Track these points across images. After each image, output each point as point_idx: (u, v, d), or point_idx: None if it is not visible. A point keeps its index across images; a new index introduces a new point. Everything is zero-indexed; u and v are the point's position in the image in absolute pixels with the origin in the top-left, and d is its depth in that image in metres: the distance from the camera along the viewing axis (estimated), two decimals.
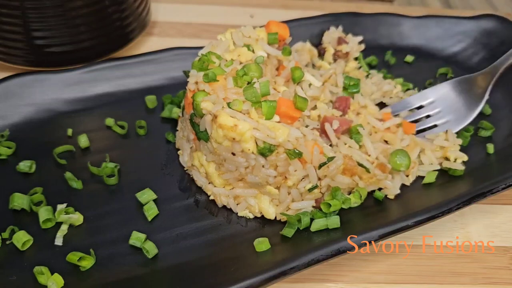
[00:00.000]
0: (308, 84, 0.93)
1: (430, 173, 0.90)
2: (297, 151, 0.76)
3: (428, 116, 1.00)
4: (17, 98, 0.97)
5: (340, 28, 1.14)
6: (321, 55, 1.11)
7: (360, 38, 1.12)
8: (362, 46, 1.12)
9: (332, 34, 1.13)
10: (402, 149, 0.87)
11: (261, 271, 0.70)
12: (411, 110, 1.01)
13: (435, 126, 0.99)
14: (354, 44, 1.10)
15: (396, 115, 1.00)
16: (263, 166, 0.78)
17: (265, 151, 0.76)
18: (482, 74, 1.04)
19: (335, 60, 1.08)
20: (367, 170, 0.82)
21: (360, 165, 0.82)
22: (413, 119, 1.00)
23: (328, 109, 0.91)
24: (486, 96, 1.01)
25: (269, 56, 0.90)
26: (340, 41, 1.10)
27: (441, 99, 1.02)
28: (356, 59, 1.11)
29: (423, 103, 1.02)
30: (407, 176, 0.89)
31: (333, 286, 0.79)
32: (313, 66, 1.06)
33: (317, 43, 1.14)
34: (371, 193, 0.86)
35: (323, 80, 0.97)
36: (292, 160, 0.77)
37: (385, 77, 1.08)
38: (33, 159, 0.89)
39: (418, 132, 0.97)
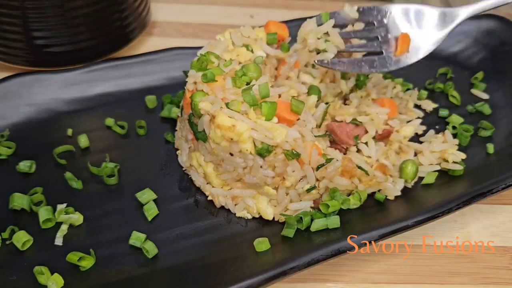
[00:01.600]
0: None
1: (429, 173, 0.90)
2: (295, 152, 0.76)
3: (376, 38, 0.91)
4: (17, 98, 0.97)
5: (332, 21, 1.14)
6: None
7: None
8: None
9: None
10: (413, 160, 0.87)
11: (261, 271, 0.70)
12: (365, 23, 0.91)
13: (381, 53, 0.89)
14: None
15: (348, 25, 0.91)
16: (261, 167, 0.78)
17: (263, 151, 0.76)
18: (447, 12, 0.91)
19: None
20: (366, 173, 0.82)
21: (359, 167, 0.82)
22: (360, 37, 0.90)
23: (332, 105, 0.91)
24: (441, 39, 0.91)
25: (268, 56, 0.90)
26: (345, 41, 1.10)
27: (393, 23, 0.90)
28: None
29: (375, 20, 0.91)
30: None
31: (333, 286, 0.79)
32: (313, 66, 1.06)
33: None
34: (371, 195, 0.86)
35: (320, 77, 0.97)
36: (290, 161, 0.77)
37: (385, 77, 1.08)
38: (33, 159, 0.89)
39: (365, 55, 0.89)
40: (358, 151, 0.87)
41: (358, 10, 0.91)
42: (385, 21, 0.91)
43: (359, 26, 0.91)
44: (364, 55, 0.90)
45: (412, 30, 0.90)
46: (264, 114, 0.77)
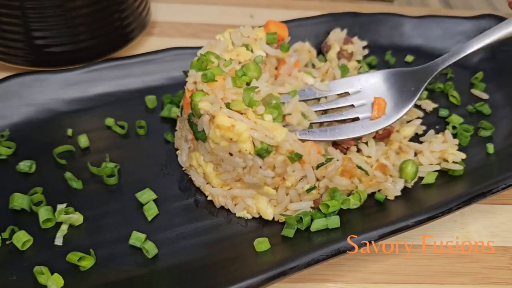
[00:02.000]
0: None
1: (430, 173, 0.90)
2: (297, 154, 0.76)
3: (352, 106, 0.90)
4: (17, 98, 0.97)
5: (345, 31, 1.15)
6: (323, 52, 1.11)
7: (364, 43, 1.12)
8: (366, 51, 1.12)
9: (339, 34, 1.13)
10: (413, 160, 0.87)
11: (261, 271, 0.70)
12: (338, 95, 0.92)
13: (357, 118, 0.89)
14: (359, 47, 1.10)
15: (315, 99, 0.91)
16: (260, 167, 0.78)
17: (262, 152, 0.76)
18: (419, 70, 0.93)
19: (338, 58, 1.08)
20: (366, 173, 0.82)
21: (359, 167, 0.82)
22: (335, 106, 0.90)
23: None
24: (417, 96, 0.90)
25: (268, 55, 0.90)
26: (346, 41, 1.10)
27: (368, 89, 0.91)
28: (358, 61, 1.11)
29: (349, 90, 0.91)
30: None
31: (333, 286, 0.79)
32: (313, 66, 1.06)
33: (317, 43, 1.14)
34: (371, 195, 0.86)
35: (321, 77, 0.98)
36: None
37: None
38: (33, 159, 0.89)
39: (339, 122, 0.88)
40: (359, 151, 0.88)
41: (329, 84, 0.92)
42: (359, 88, 0.91)
43: (333, 97, 0.92)
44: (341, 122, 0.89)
45: (387, 93, 0.90)
46: (273, 118, 0.78)
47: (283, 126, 0.81)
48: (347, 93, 0.91)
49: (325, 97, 0.92)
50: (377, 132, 0.88)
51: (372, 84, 0.92)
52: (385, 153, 0.88)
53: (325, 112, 0.91)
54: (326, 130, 0.86)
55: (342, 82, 0.93)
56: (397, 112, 0.88)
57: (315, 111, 0.88)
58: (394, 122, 0.88)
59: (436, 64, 0.94)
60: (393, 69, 0.94)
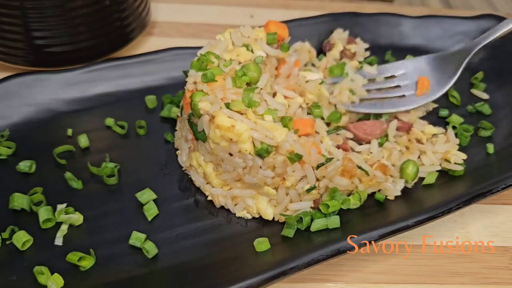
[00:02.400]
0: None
1: (430, 174, 0.90)
2: (297, 154, 0.76)
3: (398, 86, 1.01)
4: (17, 98, 0.97)
5: (347, 32, 1.15)
6: (325, 51, 1.11)
7: (367, 45, 1.12)
8: (367, 53, 1.12)
9: (341, 34, 1.13)
10: (413, 161, 0.87)
11: (261, 271, 0.70)
12: (385, 77, 1.02)
13: (403, 96, 0.99)
14: (361, 47, 1.11)
15: (371, 79, 1.01)
16: (260, 167, 0.78)
17: (262, 152, 0.76)
18: (457, 52, 1.03)
19: (341, 58, 1.08)
20: (366, 173, 0.82)
21: (359, 167, 0.82)
22: (381, 86, 1.00)
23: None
24: (458, 74, 1.00)
25: (268, 56, 0.90)
26: (350, 40, 1.11)
27: (413, 72, 1.02)
28: (359, 62, 1.11)
29: (395, 74, 1.02)
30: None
31: (333, 286, 0.79)
32: (313, 65, 1.06)
33: (317, 43, 1.14)
34: (371, 195, 0.86)
35: (321, 74, 0.99)
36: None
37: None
38: (33, 159, 0.89)
39: (385, 98, 0.98)
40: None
41: (378, 70, 1.02)
42: (404, 71, 1.02)
43: (381, 80, 1.02)
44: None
45: (430, 74, 1.01)
46: (284, 126, 0.79)
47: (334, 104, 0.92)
48: (393, 76, 1.01)
49: (374, 79, 1.01)
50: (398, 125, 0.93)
51: (416, 67, 1.02)
52: (388, 151, 0.88)
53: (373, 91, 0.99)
54: (375, 104, 0.95)
55: (388, 66, 1.03)
56: (440, 89, 0.98)
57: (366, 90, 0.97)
58: (438, 97, 0.97)
59: (473, 45, 1.02)
60: (435, 54, 1.04)
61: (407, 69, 1.02)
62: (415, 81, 0.99)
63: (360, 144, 0.91)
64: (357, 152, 0.88)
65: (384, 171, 0.84)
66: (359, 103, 0.96)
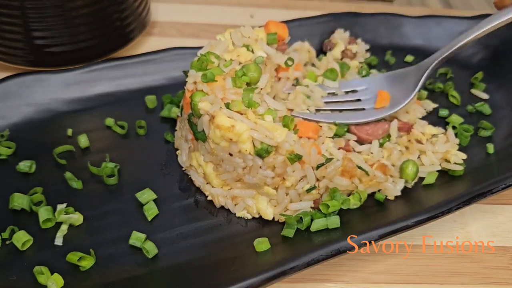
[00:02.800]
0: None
1: (430, 174, 0.90)
2: (297, 155, 0.76)
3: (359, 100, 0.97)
4: (17, 98, 0.97)
5: (348, 32, 1.15)
6: (325, 50, 1.11)
7: (367, 46, 1.12)
8: (368, 54, 1.12)
9: (342, 34, 1.13)
10: (413, 161, 0.87)
11: (261, 271, 0.70)
12: (346, 92, 0.99)
13: (362, 109, 0.96)
14: (362, 48, 1.11)
15: (331, 93, 0.98)
16: (260, 167, 0.78)
17: (262, 152, 0.76)
18: (416, 67, 0.99)
19: (342, 58, 1.08)
20: (366, 173, 0.82)
21: (359, 168, 0.82)
22: (340, 99, 0.96)
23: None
24: (417, 89, 0.96)
25: (269, 56, 0.90)
26: (351, 41, 1.11)
27: (374, 87, 0.99)
28: (359, 62, 1.11)
29: (357, 88, 0.99)
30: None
31: (333, 286, 0.79)
32: (313, 65, 1.06)
33: (317, 43, 1.14)
34: (371, 195, 0.86)
35: (322, 73, 0.99)
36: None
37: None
38: (33, 159, 0.89)
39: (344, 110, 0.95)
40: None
41: (339, 84, 1.00)
42: (366, 87, 0.99)
43: (341, 93, 0.99)
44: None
45: (391, 89, 0.98)
46: (284, 126, 0.79)
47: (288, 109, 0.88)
48: (355, 91, 0.99)
49: (334, 94, 0.98)
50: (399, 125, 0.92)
51: (377, 83, 1.00)
52: (389, 151, 0.88)
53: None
54: (330, 114, 0.93)
55: (351, 82, 1.01)
56: (400, 103, 0.95)
57: (324, 102, 0.94)
58: (395, 112, 0.94)
59: (432, 60, 0.98)
60: (395, 70, 1.02)
61: (369, 85, 0.99)
62: (375, 95, 0.97)
63: (361, 144, 0.91)
64: (358, 152, 0.88)
65: (384, 171, 0.84)
66: (316, 112, 0.92)
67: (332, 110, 0.94)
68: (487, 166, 0.92)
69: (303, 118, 0.88)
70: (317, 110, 0.93)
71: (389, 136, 0.91)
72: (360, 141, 0.91)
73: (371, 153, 0.88)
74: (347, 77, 1.03)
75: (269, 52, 0.90)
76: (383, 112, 0.94)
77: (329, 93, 0.97)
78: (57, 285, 0.71)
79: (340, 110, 0.94)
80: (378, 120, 0.93)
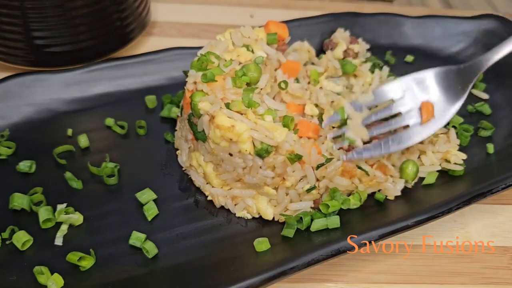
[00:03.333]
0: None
1: (430, 174, 0.90)
2: (297, 155, 0.76)
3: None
4: (17, 98, 0.97)
5: (348, 32, 1.15)
6: (325, 50, 1.11)
7: (368, 46, 1.12)
8: (369, 54, 1.12)
9: (343, 33, 1.13)
10: (413, 161, 0.87)
11: (261, 271, 0.70)
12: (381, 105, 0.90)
13: (407, 126, 0.87)
14: (363, 48, 1.11)
15: (369, 107, 0.90)
16: (260, 167, 0.78)
17: (262, 152, 0.76)
18: (465, 67, 0.92)
19: (344, 57, 1.08)
20: (366, 173, 0.82)
21: (359, 167, 0.82)
22: (383, 117, 0.88)
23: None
24: (465, 95, 0.89)
25: (269, 56, 0.90)
26: (353, 40, 1.11)
27: (412, 93, 0.89)
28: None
29: (394, 97, 0.89)
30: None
31: (333, 286, 0.79)
32: (312, 64, 1.06)
33: (317, 43, 1.14)
34: (371, 195, 0.86)
35: (322, 72, 0.99)
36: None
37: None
38: (33, 159, 0.89)
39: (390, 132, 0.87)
40: None
41: (373, 92, 0.90)
42: (403, 93, 0.89)
43: (379, 106, 0.90)
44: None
45: (433, 94, 0.89)
46: (284, 125, 0.79)
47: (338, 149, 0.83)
48: (391, 100, 0.90)
49: (369, 108, 0.90)
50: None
51: (416, 87, 0.90)
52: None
53: (373, 124, 0.89)
54: (380, 144, 0.85)
55: (384, 89, 0.90)
56: (446, 113, 0.87)
57: (365, 126, 0.87)
58: (445, 125, 0.87)
59: (483, 60, 0.91)
60: (436, 68, 0.91)
61: (402, 92, 0.89)
62: (417, 105, 0.88)
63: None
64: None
65: (384, 171, 0.84)
66: (363, 147, 0.84)
67: (377, 138, 0.86)
68: (487, 166, 0.92)
69: (351, 160, 0.82)
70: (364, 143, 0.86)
71: None
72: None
73: None
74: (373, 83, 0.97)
75: (269, 52, 0.90)
76: (431, 128, 0.86)
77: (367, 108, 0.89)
78: (57, 285, 0.71)
79: (386, 135, 0.87)
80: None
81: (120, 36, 1.15)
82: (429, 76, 0.90)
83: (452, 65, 0.92)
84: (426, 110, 0.87)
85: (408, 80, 0.90)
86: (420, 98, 0.89)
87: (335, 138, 0.86)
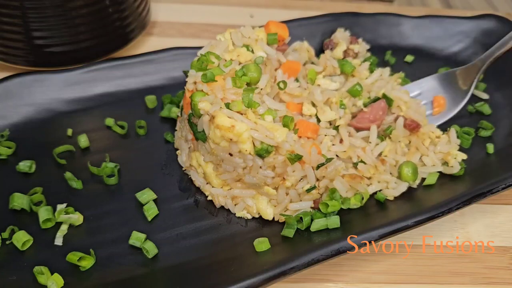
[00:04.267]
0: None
1: (431, 174, 0.90)
2: (297, 155, 0.76)
3: None
4: (17, 98, 0.97)
5: (348, 32, 1.15)
6: (325, 49, 1.11)
7: (368, 46, 1.12)
8: (369, 54, 1.12)
9: (343, 33, 1.13)
10: (411, 162, 0.87)
11: (261, 271, 0.70)
12: None
13: None
14: (363, 48, 1.11)
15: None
16: (260, 167, 0.78)
17: (262, 152, 0.76)
18: (468, 68, 1.04)
19: (344, 57, 1.08)
20: (367, 169, 0.82)
21: (360, 162, 0.82)
22: None
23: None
24: (471, 90, 1.01)
25: (269, 56, 0.90)
26: (353, 40, 1.11)
27: (427, 91, 1.04)
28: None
29: (411, 95, 1.00)
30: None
31: (333, 286, 0.79)
32: (312, 64, 1.06)
33: (317, 43, 1.14)
34: (371, 195, 0.86)
35: (322, 71, 0.99)
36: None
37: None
38: (33, 159, 0.89)
39: None
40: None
41: None
42: (419, 92, 1.04)
43: None
44: None
45: (444, 92, 1.03)
46: (283, 125, 0.79)
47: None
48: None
49: None
50: (406, 120, 0.90)
51: (430, 87, 1.04)
52: (393, 149, 0.88)
53: None
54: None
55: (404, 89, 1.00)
56: (456, 106, 1.00)
57: None
58: (455, 114, 0.99)
59: (484, 58, 1.02)
60: (446, 72, 1.06)
61: (421, 89, 1.03)
62: (430, 100, 1.02)
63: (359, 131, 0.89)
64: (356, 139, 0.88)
65: (383, 163, 0.85)
66: None
67: None
68: (487, 166, 0.92)
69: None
70: None
71: (389, 128, 0.90)
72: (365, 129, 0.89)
73: (370, 142, 0.87)
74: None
75: (269, 53, 0.90)
76: (442, 117, 0.99)
77: None
78: (57, 285, 0.71)
79: None
80: (374, 100, 0.91)
81: (120, 36, 1.15)
82: (440, 78, 1.05)
83: (456, 68, 1.04)
84: (438, 103, 1.01)
85: (423, 81, 1.04)
86: (433, 94, 1.03)
87: None
